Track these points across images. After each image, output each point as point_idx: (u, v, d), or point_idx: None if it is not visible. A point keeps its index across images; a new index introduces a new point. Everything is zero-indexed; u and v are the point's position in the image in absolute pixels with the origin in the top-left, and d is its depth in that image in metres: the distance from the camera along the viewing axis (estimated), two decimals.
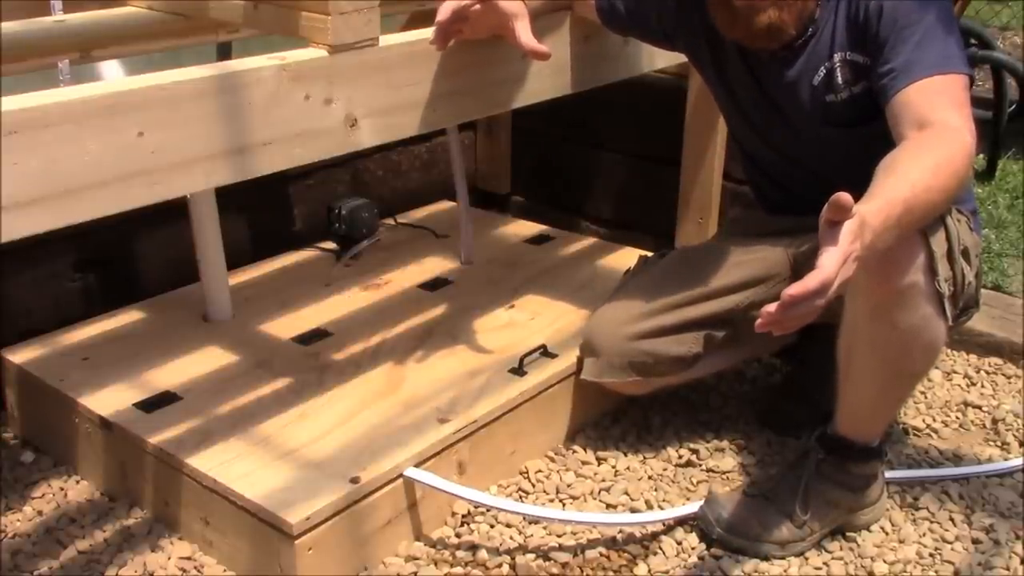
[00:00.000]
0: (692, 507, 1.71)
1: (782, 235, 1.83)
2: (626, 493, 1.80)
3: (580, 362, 1.92)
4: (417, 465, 1.65)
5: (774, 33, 1.58)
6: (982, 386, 2.17)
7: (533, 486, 1.83)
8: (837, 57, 1.61)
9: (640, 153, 2.72)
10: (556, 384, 1.91)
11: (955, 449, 1.96)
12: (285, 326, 2.08)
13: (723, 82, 1.80)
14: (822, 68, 1.63)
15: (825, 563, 1.65)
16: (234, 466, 1.62)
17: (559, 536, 1.69)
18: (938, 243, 1.43)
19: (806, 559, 1.65)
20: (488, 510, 1.73)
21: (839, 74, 1.62)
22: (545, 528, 1.71)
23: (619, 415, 2.03)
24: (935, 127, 1.40)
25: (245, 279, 2.29)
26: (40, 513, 1.76)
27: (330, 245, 2.46)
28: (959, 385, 2.18)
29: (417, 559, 1.65)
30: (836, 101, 1.64)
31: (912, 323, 1.47)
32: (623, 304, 1.87)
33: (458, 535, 1.70)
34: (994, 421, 2.04)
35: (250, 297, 2.20)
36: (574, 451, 1.93)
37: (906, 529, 1.72)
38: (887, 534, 1.71)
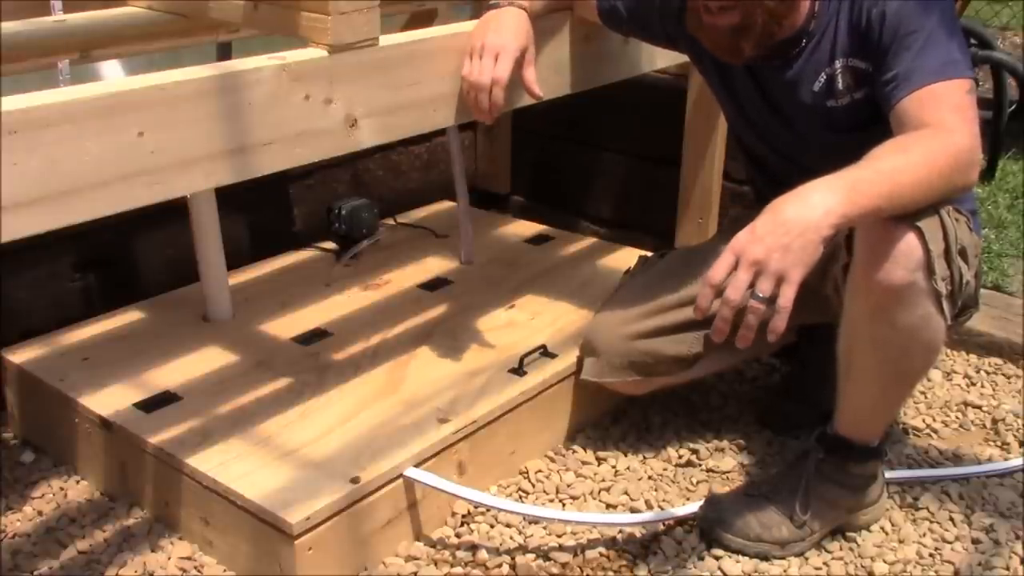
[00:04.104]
0: (692, 507, 1.71)
1: None
2: (626, 493, 1.80)
3: (580, 362, 1.92)
4: (417, 465, 1.65)
5: (734, 53, 1.60)
6: (982, 386, 2.17)
7: (533, 486, 1.83)
8: (838, 63, 1.61)
9: (640, 153, 2.72)
10: (556, 384, 1.91)
11: (955, 449, 1.96)
12: (285, 326, 2.08)
13: (725, 84, 1.80)
14: (823, 74, 1.63)
15: (825, 563, 1.65)
16: (234, 466, 1.62)
17: (559, 536, 1.69)
18: (935, 242, 1.43)
19: (806, 559, 1.65)
20: (488, 510, 1.73)
21: (840, 80, 1.61)
22: (545, 528, 1.71)
23: (619, 415, 2.03)
24: (930, 128, 1.41)
25: (245, 279, 2.29)
26: (40, 513, 1.76)
27: (330, 245, 2.46)
28: (959, 385, 2.18)
29: (417, 559, 1.65)
30: (837, 106, 1.64)
31: (911, 322, 1.47)
32: (623, 304, 1.87)
33: (458, 535, 1.70)
34: (994, 421, 2.04)
35: (250, 297, 2.20)
36: (574, 451, 1.93)
37: (906, 529, 1.72)
38: (887, 534, 1.71)
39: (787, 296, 1.29)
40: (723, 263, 1.32)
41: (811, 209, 1.31)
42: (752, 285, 1.30)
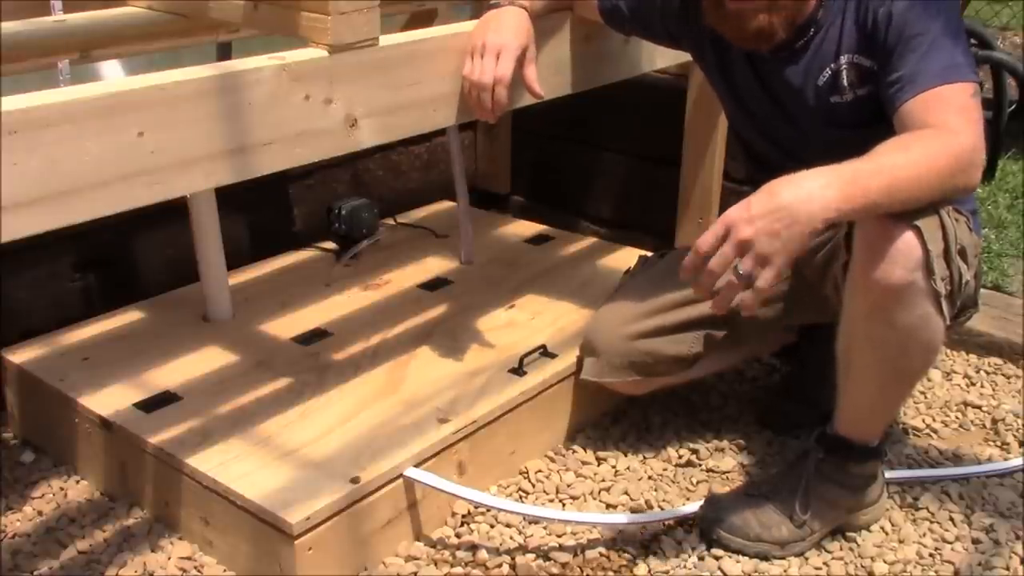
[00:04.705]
0: (692, 507, 1.71)
1: None
2: (626, 493, 1.80)
3: (580, 362, 1.92)
4: (417, 465, 1.65)
5: (763, 37, 1.58)
6: (982, 386, 2.17)
7: (533, 486, 1.83)
8: (844, 59, 1.61)
9: (640, 153, 2.72)
10: (556, 384, 1.91)
11: (955, 449, 1.96)
12: (285, 326, 2.08)
13: (727, 81, 1.80)
14: (827, 69, 1.63)
15: (825, 563, 1.65)
16: (234, 466, 1.62)
17: (559, 536, 1.69)
18: (934, 242, 1.43)
19: (806, 559, 1.65)
20: (488, 510, 1.73)
21: (845, 76, 1.61)
22: (545, 528, 1.71)
23: (619, 415, 2.03)
24: (933, 128, 1.41)
25: (245, 279, 2.29)
26: (40, 513, 1.76)
27: (330, 245, 2.46)
28: (959, 385, 2.18)
29: (417, 559, 1.65)
30: (842, 102, 1.64)
31: (910, 322, 1.47)
32: (623, 304, 1.87)
33: (458, 535, 1.70)
34: (994, 421, 2.04)
35: (250, 297, 2.20)
36: (574, 451, 1.93)
37: (906, 529, 1.72)
38: (887, 534, 1.71)
39: (766, 279, 1.32)
40: (713, 234, 1.34)
41: (807, 200, 1.32)
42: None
